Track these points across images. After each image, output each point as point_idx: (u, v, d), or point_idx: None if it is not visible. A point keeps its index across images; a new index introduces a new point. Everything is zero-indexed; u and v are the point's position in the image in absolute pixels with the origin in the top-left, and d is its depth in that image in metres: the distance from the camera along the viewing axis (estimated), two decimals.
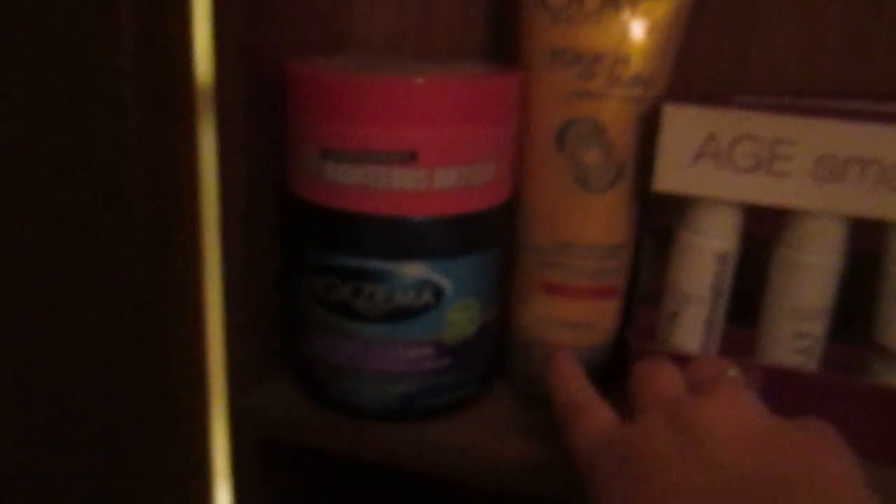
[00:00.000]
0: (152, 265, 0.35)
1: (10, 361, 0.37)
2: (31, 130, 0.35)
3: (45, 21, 0.33)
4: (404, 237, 0.32)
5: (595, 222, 0.35)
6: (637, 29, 0.34)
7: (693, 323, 0.35)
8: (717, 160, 0.33)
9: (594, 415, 0.29)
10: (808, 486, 0.23)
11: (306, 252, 0.34)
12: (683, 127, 0.33)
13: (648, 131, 0.34)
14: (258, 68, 0.33)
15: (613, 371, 0.38)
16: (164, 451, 0.38)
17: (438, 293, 0.33)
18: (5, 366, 0.37)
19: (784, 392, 0.34)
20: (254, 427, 0.36)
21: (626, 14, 0.33)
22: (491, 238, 0.34)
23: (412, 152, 0.30)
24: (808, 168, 0.32)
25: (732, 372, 0.28)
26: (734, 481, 0.23)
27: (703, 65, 0.38)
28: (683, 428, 0.25)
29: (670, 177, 0.33)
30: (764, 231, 0.34)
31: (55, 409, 0.39)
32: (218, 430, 0.38)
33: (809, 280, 0.33)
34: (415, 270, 0.32)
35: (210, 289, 0.36)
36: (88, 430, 0.38)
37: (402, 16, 0.41)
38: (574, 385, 0.32)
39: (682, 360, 0.35)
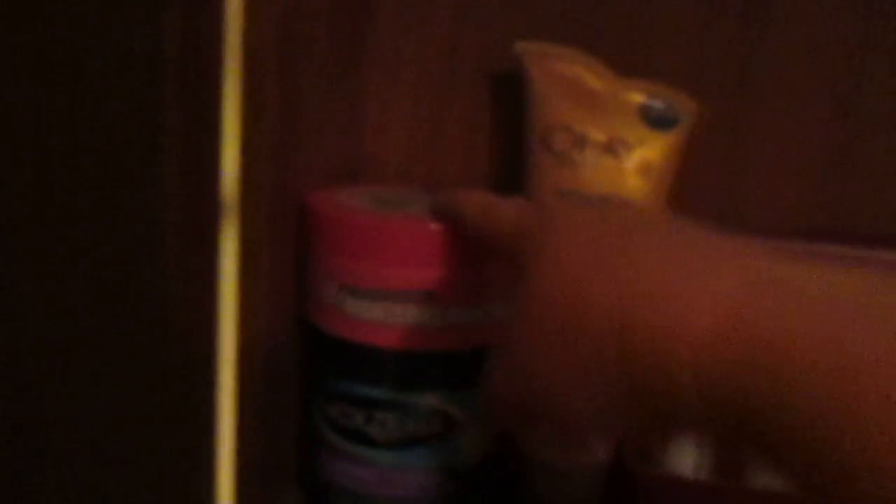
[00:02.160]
0: (171, 388, 0.36)
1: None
2: (70, 277, 0.37)
3: (87, 164, 0.35)
4: (417, 370, 0.34)
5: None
6: (633, 173, 0.36)
7: (686, 446, 0.37)
8: None
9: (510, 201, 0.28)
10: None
11: (322, 379, 0.35)
12: None
13: None
14: (281, 196, 0.35)
15: (613, 491, 0.40)
16: None
17: (449, 422, 0.34)
18: None
19: None
20: None
21: (623, 159, 0.36)
22: None
23: (429, 292, 0.32)
24: None
25: None
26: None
27: (693, 204, 0.41)
28: None
29: None
30: None
31: None
32: None
33: None
34: (427, 401, 0.34)
35: (225, 408, 0.37)
36: None
37: (411, 146, 0.43)
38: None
39: (676, 483, 0.37)
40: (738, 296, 0.17)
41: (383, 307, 0.33)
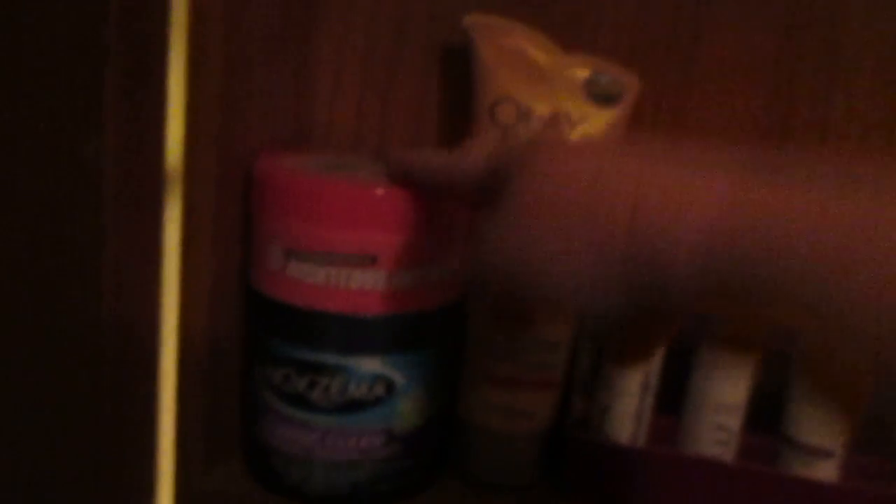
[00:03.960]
0: (111, 354, 0.36)
1: None
2: (7, 229, 0.36)
3: (26, 114, 0.34)
4: (361, 334, 0.34)
5: (540, 319, 0.38)
6: None
7: (623, 415, 0.38)
8: None
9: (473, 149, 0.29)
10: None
11: (266, 344, 0.36)
12: None
13: None
14: (227, 160, 0.35)
15: (551, 457, 0.41)
16: None
17: (390, 386, 0.35)
18: None
19: (704, 480, 0.37)
20: None
21: (566, 132, 0.37)
22: (441, 334, 0.37)
23: (373, 256, 0.33)
24: None
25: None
26: None
27: None
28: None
29: None
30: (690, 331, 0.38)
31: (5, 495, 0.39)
32: None
33: (727, 378, 0.37)
34: (369, 365, 0.34)
35: (166, 373, 0.37)
36: None
37: (362, 114, 0.44)
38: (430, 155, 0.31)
39: (613, 449, 0.38)
40: (729, 190, 0.21)
41: (326, 271, 0.33)
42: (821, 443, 0.37)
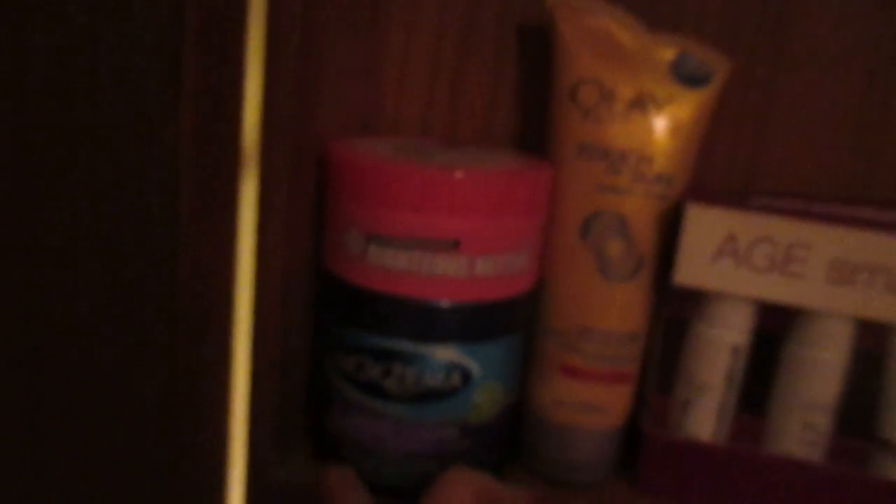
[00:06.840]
0: (186, 336, 0.35)
1: (32, 440, 0.37)
2: (85, 212, 0.35)
3: (104, 99, 0.34)
4: (440, 321, 0.33)
5: (614, 310, 0.37)
6: (661, 130, 0.36)
7: (705, 411, 0.37)
8: (736, 259, 0.34)
9: None
10: None
11: (340, 330, 0.35)
12: (705, 226, 0.35)
13: (668, 227, 0.36)
14: (300, 145, 0.34)
15: (625, 455, 0.39)
16: None
17: (466, 376, 0.34)
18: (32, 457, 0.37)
19: (791, 482, 0.36)
20: (274, 503, 0.36)
21: (651, 116, 0.35)
22: (518, 323, 0.35)
23: (455, 241, 0.32)
24: (820, 271, 0.34)
25: None
26: None
27: (719, 165, 0.41)
28: None
29: (691, 272, 0.35)
30: (775, 326, 0.36)
31: (72, 479, 0.38)
32: None
33: (818, 376, 0.35)
34: (446, 354, 0.33)
35: (238, 360, 0.36)
36: None
37: (431, 100, 0.42)
38: None
39: (694, 447, 0.37)
40: None
41: (408, 256, 0.32)
42: None
